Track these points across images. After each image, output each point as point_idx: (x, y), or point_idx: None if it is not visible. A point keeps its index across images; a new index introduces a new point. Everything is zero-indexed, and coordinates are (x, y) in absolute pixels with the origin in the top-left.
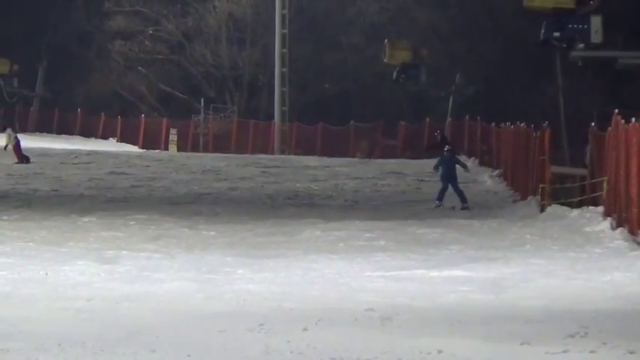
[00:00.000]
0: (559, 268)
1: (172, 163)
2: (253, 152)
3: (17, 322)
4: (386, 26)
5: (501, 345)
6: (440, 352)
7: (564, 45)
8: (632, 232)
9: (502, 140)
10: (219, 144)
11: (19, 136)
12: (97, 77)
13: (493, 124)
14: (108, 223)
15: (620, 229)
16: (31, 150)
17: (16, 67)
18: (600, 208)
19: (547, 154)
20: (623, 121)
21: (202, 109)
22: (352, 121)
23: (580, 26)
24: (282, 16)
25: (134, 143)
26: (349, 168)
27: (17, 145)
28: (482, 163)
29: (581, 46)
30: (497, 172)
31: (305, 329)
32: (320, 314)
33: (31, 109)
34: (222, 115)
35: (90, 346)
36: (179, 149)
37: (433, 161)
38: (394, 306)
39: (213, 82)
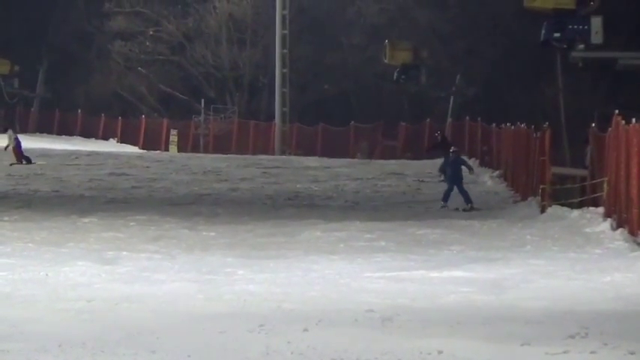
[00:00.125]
0: (559, 268)
1: (173, 163)
2: (254, 153)
3: (17, 323)
4: (386, 27)
5: (502, 346)
6: (440, 352)
7: (565, 46)
8: (632, 232)
9: (502, 141)
10: (220, 145)
11: (20, 136)
12: (97, 78)
13: (493, 124)
14: (108, 223)
15: (620, 230)
16: (32, 151)
17: (16, 67)
18: (601, 209)
19: (547, 155)
20: (623, 121)
21: (203, 110)
22: (352, 122)
23: (580, 27)
24: (283, 17)
25: (134, 144)
26: (349, 169)
27: (18, 146)
28: (482, 164)
29: (582, 46)
30: (497, 172)
31: (305, 330)
32: (320, 315)
33: (32, 109)
34: (222, 115)
35: (90, 346)
36: (179, 150)
37: (433, 162)
38: (394, 307)
39: (214, 83)
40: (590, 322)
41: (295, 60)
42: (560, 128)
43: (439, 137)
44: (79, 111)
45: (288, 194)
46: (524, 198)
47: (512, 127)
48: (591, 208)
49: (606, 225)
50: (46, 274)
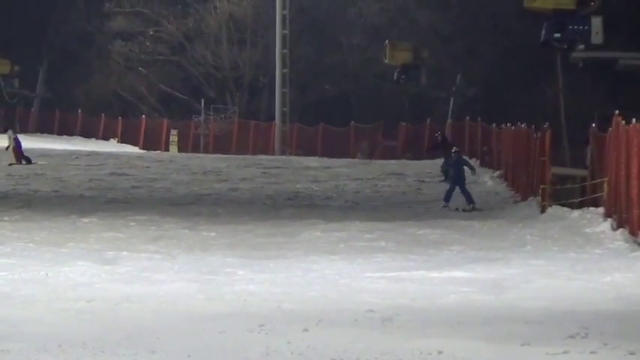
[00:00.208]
0: (559, 268)
1: (173, 163)
2: (254, 153)
3: (17, 323)
4: (386, 27)
5: (502, 346)
6: (440, 352)
7: (565, 46)
8: (632, 233)
9: (503, 141)
10: (220, 145)
11: (20, 137)
12: (97, 78)
13: (494, 125)
14: (108, 223)
15: (620, 230)
16: (32, 151)
17: (16, 67)
18: (601, 209)
19: (548, 155)
20: (623, 122)
21: (203, 110)
22: (353, 122)
23: (580, 27)
24: (283, 17)
25: (135, 144)
26: (350, 169)
27: (17, 147)
28: (483, 164)
29: (582, 47)
30: (497, 173)
31: (305, 330)
32: (320, 315)
33: (32, 109)
34: (222, 115)
35: (90, 347)
36: (180, 150)
37: (434, 162)
38: (394, 307)
39: (214, 83)
40: (590, 322)
41: (295, 60)
42: (561, 128)
43: (439, 137)
44: (80, 111)
45: (288, 194)
46: (524, 198)
47: (513, 127)
48: (591, 209)
49: (606, 225)
50: (46, 274)
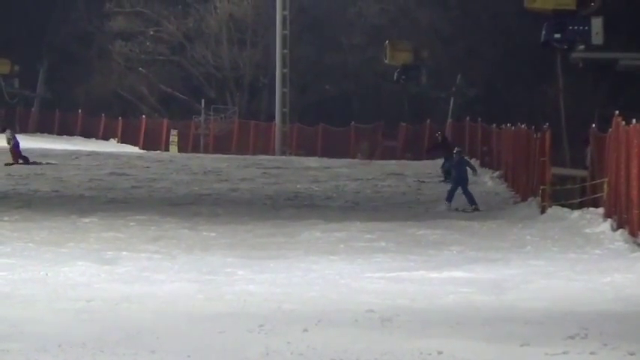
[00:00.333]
0: (559, 269)
1: (173, 164)
2: (254, 153)
3: (17, 323)
4: (387, 27)
5: (501, 346)
6: (440, 353)
7: (565, 46)
8: (632, 233)
9: (503, 141)
10: (220, 145)
11: (21, 137)
12: (97, 78)
13: (494, 125)
14: (108, 223)
15: (620, 231)
16: (32, 151)
17: (17, 67)
18: (601, 210)
19: (548, 156)
20: (623, 122)
21: (203, 110)
22: (353, 122)
23: (581, 28)
24: (283, 17)
25: (135, 144)
26: (350, 169)
27: (16, 146)
28: (483, 165)
29: (582, 47)
30: (497, 173)
31: (305, 330)
32: (320, 315)
33: (32, 109)
34: (222, 116)
35: (90, 347)
36: (180, 150)
37: (434, 162)
38: (394, 307)
39: (214, 83)
40: (589, 322)
41: (296, 60)
42: (561, 129)
43: (439, 138)
44: (80, 111)
45: (289, 194)
46: (524, 198)
47: (513, 127)
48: (591, 209)
49: (606, 226)
50: (46, 274)
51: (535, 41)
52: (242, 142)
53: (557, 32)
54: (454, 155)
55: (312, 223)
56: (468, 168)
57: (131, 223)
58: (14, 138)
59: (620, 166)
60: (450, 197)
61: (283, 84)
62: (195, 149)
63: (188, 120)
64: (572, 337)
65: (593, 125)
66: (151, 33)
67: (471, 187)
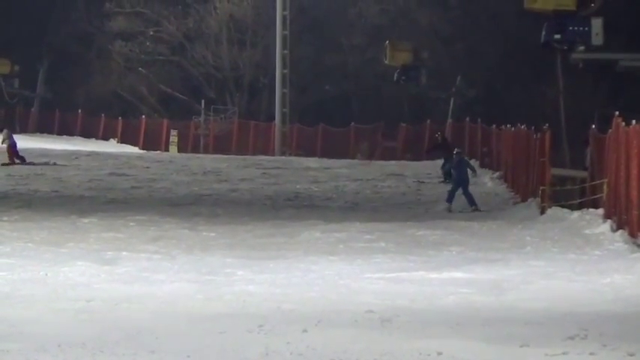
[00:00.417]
0: (559, 270)
1: (173, 164)
2: (254, 153)
3: (17, 323)
4: (387, 28)
5: (501, 347)
6: (440, 353)
7: (565, 47)
8: (632, 234)
9: (502, 142)
10: (220, 145)
11: (21, 136)
12: (97, 78)
13: (494, 126)
14: (108, 224)
15: (620, 232)
16: (32, 151)
17: (16, 67)
18: (600, 211)
19: (547, 156)
20: (623, 123)
21: (203, 111)
22: (353, 123)
23: (581, 28)
24: (283, 18)
25: (135, 144)
26: (349, 169)
27: (13, 146)
28: (482, 165)
29: (582, 48)
30: (497, 174)
31: (305, 330)
32: (320, 316)
33: (32, 109)
34: (222, 116)
35: (90, 347)
36: (179, 150)
37: (434, 163)
38: (394, 307)
39: (214, 84)
40: (589, 323)
41: (295, 61)
42: (560, 129)
43: (439, 138)
44: (79, 111)
45: (288, 195)
46: (524, 199)
47: (513, 128)
48: (591, 210)
49: (606, 226)
50: (46, 274)
51: (535, 42)
52: (242, 143)
53: (557, 33)
54: (454, 156)
55: (312, 223)
56: (468, 169)
57: (131, 224)
58: (11, 138)
59: (619, 167)
60: (450, 198)
61: (283, 84)
62: (195, 149)
63: (188, 120)
64: (571, 338)
65: (593, 126)
66: (151, 33)
67: (470, 188)
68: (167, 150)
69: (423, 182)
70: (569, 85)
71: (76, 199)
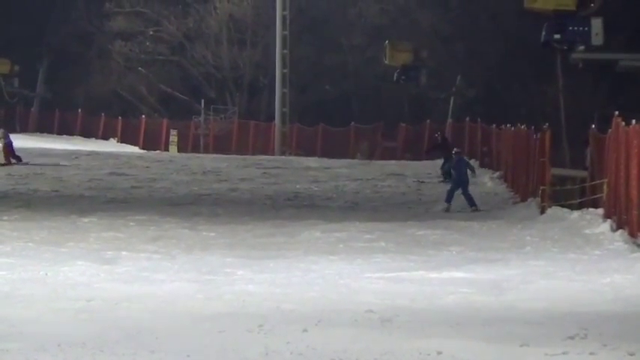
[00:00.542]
0: (559, 269)
1: (173, 164)
2: (254, 153)
3: (17, 323)
4: (387, 28)
5: (501, 346)
6: (439, 353)
7: (565, 47)
8: (632, 234)
9: (502, 142)
10: (220, 145)
11: (20, 136)
12: (97, 78)
13: (494, 125)
14: (108, 223)
15: (620, 231)
16: (32, 150)
17: (16, 67)
18: (600, 210)
19: (547, 156)
20: (623, 123)
21: (203, 110)
22: (352, 123)
23: (581, 28)
24: (283, 18)
25: (134, 144)
26: (349, 169)
27: (9, 146)
28: (482, 165)
29: (582, 48)
30: (497, 173)
31: (305, 330)
32: (320, 315)
33: (32, 109)
34: (222, 116)
35: (89, 346)
36: (179, 150)
37: (434, 162)
38: (394, 307)
39: (214, 83)
40: (589, 323)
41: (295, 60)
42: (560, 129)
43: (439, 138)
44: (79, 111)
45: (288, 195)
46: (523, 199)
47: (512, 128)
48: (591, 210)
49: (606, 226)
50: (46, 274)
51: (535, 42)
52: (242, 142)
53: (557, 33)
54: (453, 156)
55: (312, 223)
56: (467, 169)
57: (131, 223)
58: (7, 137)
59: (619, 167)
60: (449, 198)
61: (283, 84)
62: (195, 149)
63: (188, 120)
64: (571, 338)
65: (593, 126)
66: (151, 33)
67: (470, 188)
68: (167, 150)
69: (423, 182)
70: (569, 85)
71: (76, 198)
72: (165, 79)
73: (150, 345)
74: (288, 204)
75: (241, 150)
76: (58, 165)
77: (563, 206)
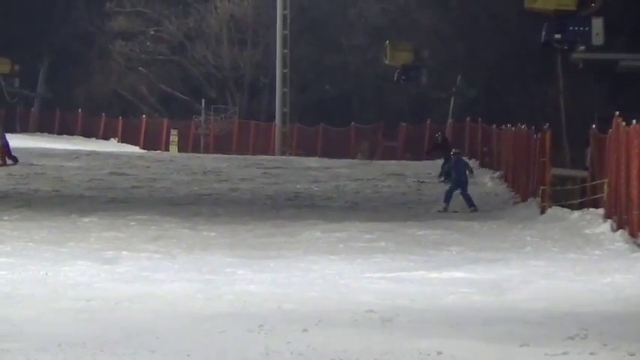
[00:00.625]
0: (559, 269)
1: (173, 163)
2: (254, 153)
3: (17, 323)
4: (387, 28)
5: (501, 346)
6: (440, 353)
7: (565, 47)
8: (632, 234)
9: (503, 142)
10: (220, 145)
11: (19, 136)
12: (98, 78)
13: (494, 125)
14: (108, 223)
15: (620, 231)
16: (32, 150)
17: (17, 67)
18: (601, 210)
19: (548, 156)
20: (623, 123)
21: (203, 110)
22: (353, 123)
23: (581, 28)
24: (284, 17)
25: (135, 144)
26: (350, 169)
27: (5, 146)
28: (482, 165)
29: (583, 48)
30: (497, 173)
31: (305, 330)
32: (320, 315)
33: (32, 109)
34: (223, 116)
35: (90, 346)
36: (180, 150)
37: (434, 162)
38: (394, 307)
39: (214, 83)
40: (589, 323)
41: (296, 60)
42: (561, 129)
43: (440, 138)
44: (80, 111)
45: (289, 195)
46: (524, 199)
47: (513, 128)
48: (591, 210)
49: (606, 226)
50: (46, 274)
51: (535, 42)
52: (242, 142)
53: (557, 33)
54: (452, 156)
55: (312, 223)
56: (466, 169)
57: (131, 223)
58: (3, 137)
59: (620, 167)
60: (447, 198)
61: (283, 84)
62: (196, 149)
63: (188, 120)
64: (572, 338)
65: (594, 126)
66: (152, 33)
67: (471, 188)
68: (167, 149)
69: (424, 182)
70: (569, 85)
71: (77, 198)
72: (166, 78)
73: (150, 345)
74: (288, 204)
75: (242, 150)
76: (56, 166)
77: (563, 206)
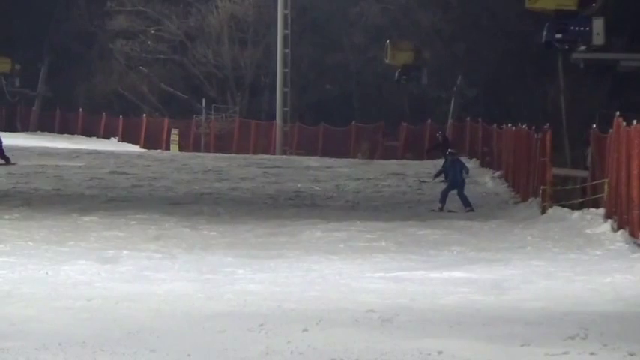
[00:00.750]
0: (560, 269)
1: (174, 163)
2: (255, 153)
3: (17, 321)
4: (388, 27)
5: (502, 346)
6: (440, 353)
7: (566, 47)
8: (632, 234)
9: (503, 142)
10: (221, 144)
11: (19, 135)
12: (98, 77)
13: (494, 125)
14: (109, 222)
15: (620, 231)
16: (33, 149)
17: (18, 66)
18: (601, 210)
19: (548, 156)
20: (624, 123)
21: (204, 109)
22: (354, 122)
23: (582, 28)
24: (284, 17)
25: (135, 143)
26: (350, 169)
27: None
28: (483, 165)
29: (583, 48)
30: (498, 173)
31: (305, 330)
32: (320, 315)
33: (33, 108)
34: (223, 115)
35: (90, 345)
36: (180, 149)
37: (434, 162)
38: (394, 307)
39: (215, 83)
40: (590, 323)
41: (297, 60)
42: (561, 129)
43: (440, 138)
44: (81, 110)
45: (289, 194)
46: (524, 199)
47: (513, 128)
48: (592, 210)
49: (607, 226)
50: (47, 273)
51: (536, 41)
52: (243, 142)
53: (558, 32)
54: (448, 157)
55: (313, 222)
56: (462, 170)
57: (132, 222)
58: None
59: (620, 167)
60: (443, 199)
61: (284, 83)
62: (196, 148)
63: (189, 119)
64: (572, 338)
65: (594, 126)
66: (152, 32)
67: (471, 187)
68: (168, 149)
69: (424, 182)
70: (570, 84)
71: (77, 197)
72: (167, 78)
73: (150, 344)
74: (288, 203)
75: (242, 149)
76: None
77: (563, 206)
